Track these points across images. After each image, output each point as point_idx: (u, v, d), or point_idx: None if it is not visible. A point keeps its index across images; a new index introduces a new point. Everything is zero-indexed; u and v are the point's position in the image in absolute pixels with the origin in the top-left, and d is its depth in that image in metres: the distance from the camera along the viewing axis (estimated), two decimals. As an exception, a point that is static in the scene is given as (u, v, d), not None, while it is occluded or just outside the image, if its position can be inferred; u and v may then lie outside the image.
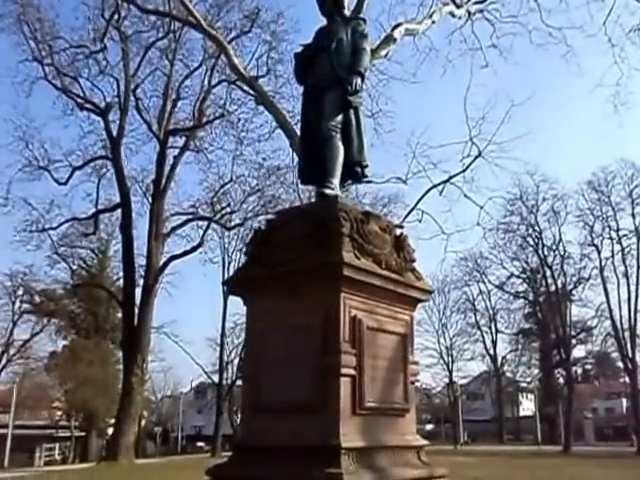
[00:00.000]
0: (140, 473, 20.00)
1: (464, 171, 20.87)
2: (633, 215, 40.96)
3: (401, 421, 5.39)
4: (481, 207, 23.06)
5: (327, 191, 5.76)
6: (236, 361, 47.95)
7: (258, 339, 5.46)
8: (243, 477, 4.97)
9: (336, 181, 5.94)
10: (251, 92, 23.48)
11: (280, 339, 5.28)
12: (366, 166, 6.31)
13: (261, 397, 5.29)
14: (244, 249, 5.71)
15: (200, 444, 58.91)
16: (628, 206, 41.10)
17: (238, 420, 60.62)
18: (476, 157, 20.75)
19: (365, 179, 6.47)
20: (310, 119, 6.42)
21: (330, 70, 6.28)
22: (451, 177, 20.73)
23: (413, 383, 5.66)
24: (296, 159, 19.30)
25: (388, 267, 5.42)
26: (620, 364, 56.67)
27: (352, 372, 4.96)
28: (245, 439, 5.45)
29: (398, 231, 6.05)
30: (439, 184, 20.79)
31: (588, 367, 70.85)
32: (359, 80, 6.20)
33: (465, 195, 21.49)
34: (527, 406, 70.17)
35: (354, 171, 6.27)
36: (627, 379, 52.44)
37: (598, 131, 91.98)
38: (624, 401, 67.95)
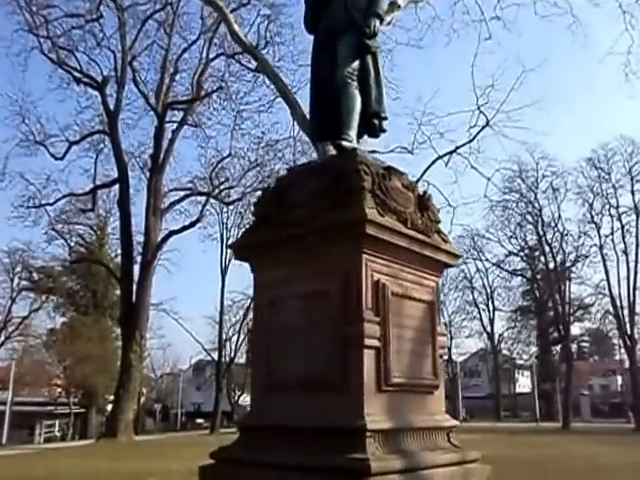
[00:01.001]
0: (138, 451, 19.60)
1: (471, 141, 20.18)
2: (632, 192, 40.66)
3: (429, 399, 4.83)
4: (488, 179, 22.58)
5: (344, 143, 5.14)
6: (234, 338, 47.83)
7: (268, 309, 4.88)
8: (252, 462, 4.42)
9: (353, 133, 5.32)
10: (249, 66, 22.81)
11: (293, 308, 4.70)
12: (385, 118, 5.70)
13: (272, 373, 4.72)
14: (251, 210, 5.08)
15: (199, 421, 58.98)
16: (628, 183, 40.86)
17: (236, 397, 60.99)
18: (484, 126, 20.03)
19: (383, 133, 5.85)
20: (322, 67, 5.77)
21: (344, 13, 5.66)
22: (458, 147, 20.02)
23: (441, 357, 5.09)
24: (297, 130, 18.66)
25: (414, 226, 4.83)
26: (615, 341, 56.85)
27: (376, 343, 4.38)
28: (254, 419, 4.88)
29: (421, 189, 5.44)
30: (445, 154, 20.11)
31: (584, 345, 70.98)
32: (377, 22, 5.59)
33: (472, 166, 20.81)
34: (523, 383, 70.54)
35: (372, 124, 5.66)
36: (623, 356, 52.73)
37: (599, 108, 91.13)
38: (619, 378, 68.39)
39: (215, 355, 46.58)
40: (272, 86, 18.91)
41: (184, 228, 32.13)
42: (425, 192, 5.34)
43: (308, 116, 15.32)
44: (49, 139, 30.87)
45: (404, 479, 4.01)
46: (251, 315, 47.77)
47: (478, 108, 20.32)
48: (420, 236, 4.85)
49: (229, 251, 44.60)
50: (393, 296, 4.56)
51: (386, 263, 4.65)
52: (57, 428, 49.93)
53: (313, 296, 4.58)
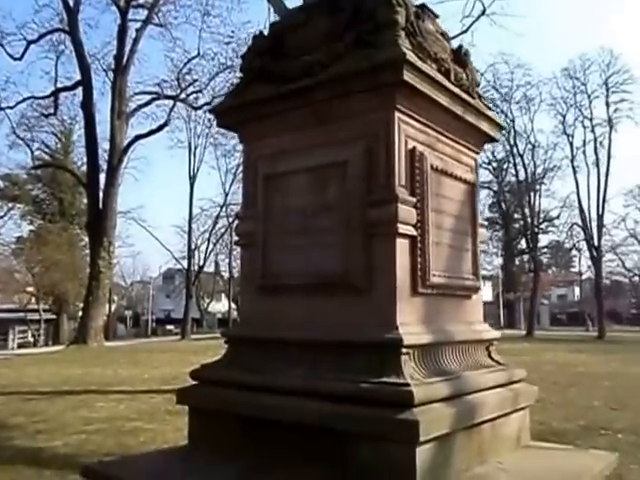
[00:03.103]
0: (109, 357, 18.94)
1: (465, 32, 18.49)
2: (607, 104, 40.16)
3: (467, 305, 3.81)
4: (482, 74, 21.09)
5: None
6: (203, 247, 47.32)
7: (263, 189, 3.73)
8: (246, 385, 3.42)
9: None
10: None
11: (298, 187, 3.57)
12: None
13: (270, 271, 3.64)
14: (240, 63, 3.81)
15: (169, 327, 59.44)
16: (603, 95, 40.32)
17: (205, 304, 61.23)
18: (479, 15, 18.33)
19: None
20: None
21: None
22: (450, 39, 18.35)
23: (482, 252, 4.04)
24: (273, 20, 16.89)
25: (457, 81, 3.65)
26: (574, 253, 57.87)
27: (412, 231, 3.29)
28: (246, 330, 3.81)
29: (455, 43, 4.23)
30: (436, 48, 18.44)
31: (544, 257, 72.68)
32: None
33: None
34: (484, 292, 72.26)
35: None
36: (582, 268, 54.00)
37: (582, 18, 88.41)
38: (577, 289, 70.41)
39: (185, 263, 46.03)
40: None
41: (151, 132, 30.78)
42: (461, 46, 4.13)
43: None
44: (5, 38, 28.95)
45: (449, 408, 3.04)
46: (220, 224, 47.19)
47: (474, -7, 18.57)
48: (464, 95, 3.67)
49: (197, 158, 43.40)
50: (432, 171, 3.44)
51: (422, 128, 3.50)
52: (30, 334, 49.80)
53: (326, 170, 3.44)
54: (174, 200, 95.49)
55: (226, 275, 54.32)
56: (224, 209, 44.73)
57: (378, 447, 2.90)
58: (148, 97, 31.45)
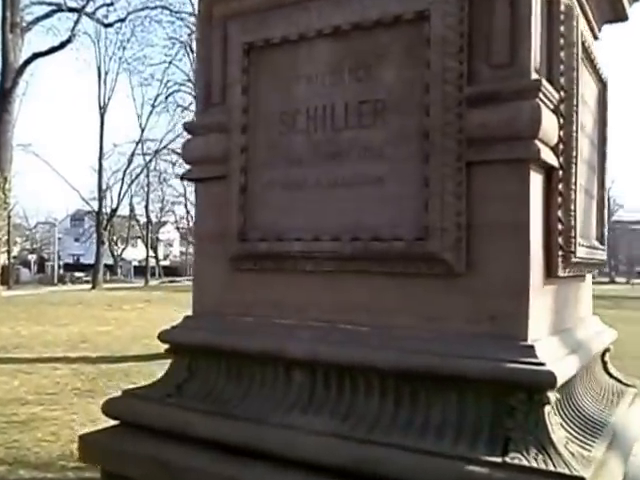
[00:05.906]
0: (7, 312, 16.74)
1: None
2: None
3: (581, 290, 2.30)
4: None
5: None
6: (116, 189, 43.79)
7: (244, 72, 2.02)
8: (206, 439, 1.81)
9: None
10: None
11: (315, 68, 1.91)
12: None
13: (256, 226, 1.98)
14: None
15: (79, 274, 56.12)
16: None
17: (119, 251, 58.22)
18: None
19: None
20: None
21: None
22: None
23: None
24: None
25: None
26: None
27: (552, 160, 1.72)
28: (208, 333, 2.05)
29: None
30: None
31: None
32: None
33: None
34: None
35: None
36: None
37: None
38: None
39: (95, 205, 42.57)
40: None
41: (51, 50, 27.26)
42: None
43: None
44: None
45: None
46: (136, 162, 44.47)
47: None
48: None
49: (108, 86, 39.67)
50: (582, 48, 1.86)
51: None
52: None
53: (374, 33, 1.79)
54: (83, 135, 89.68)
55: (143, 220, 51.07)
56: (140, 146, 41.04)
57: None
58: (47, 8, 27.85)
